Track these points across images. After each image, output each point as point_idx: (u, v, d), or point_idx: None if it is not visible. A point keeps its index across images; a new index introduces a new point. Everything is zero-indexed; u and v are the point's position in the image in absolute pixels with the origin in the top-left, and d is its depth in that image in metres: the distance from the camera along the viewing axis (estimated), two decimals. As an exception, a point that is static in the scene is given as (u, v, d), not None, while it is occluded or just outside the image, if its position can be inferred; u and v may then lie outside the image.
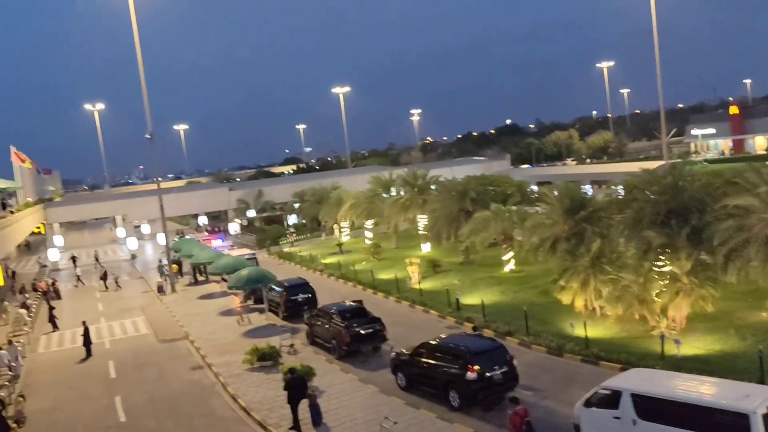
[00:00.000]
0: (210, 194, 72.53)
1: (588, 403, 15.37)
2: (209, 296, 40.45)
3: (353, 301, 27.79)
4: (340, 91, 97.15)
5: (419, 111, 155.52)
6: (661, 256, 23.29)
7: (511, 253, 36.09)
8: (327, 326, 26.01)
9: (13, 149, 50.02)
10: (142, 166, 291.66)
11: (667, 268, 22.84)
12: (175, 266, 46.64)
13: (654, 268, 23.30)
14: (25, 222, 47.09)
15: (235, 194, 71.15)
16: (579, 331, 23.31)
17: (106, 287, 46.87)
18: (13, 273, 56.06)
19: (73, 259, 59.79)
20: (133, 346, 31.05)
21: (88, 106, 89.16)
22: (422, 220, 44.23)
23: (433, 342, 20.58)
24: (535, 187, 64.14)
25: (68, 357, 30.13)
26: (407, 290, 34.50)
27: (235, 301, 36.75)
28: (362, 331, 24.79)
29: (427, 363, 20.13)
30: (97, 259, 60.54)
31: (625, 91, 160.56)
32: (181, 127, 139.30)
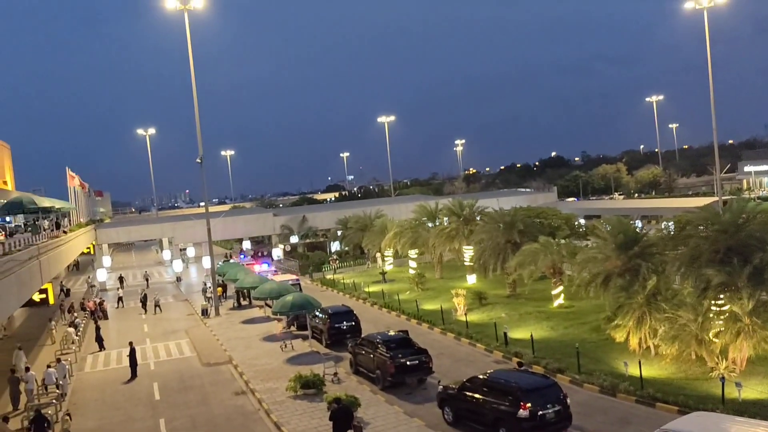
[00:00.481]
0: (254, 219, 73.24)
1: (648, 448, 14.64)
2: (252, 321, 40.52)
3: (399, 331, 27.39)
4: (386, 120, 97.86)
5: (463, 141, 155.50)
6: (720, 295, 22.35)
7: (561, 288, 35.26)
8: (372, 356, 25.62)
9: (68, 170, 51.38)
10: (188, 190, 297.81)
11: (726, 308, 21.93)
12: (219, 289, 46.97)
13: (713, 307, 22.42)
14: (77, 242, 48.08)
15: (279, 220, 71.69)
16: (633, 371, 22.48)
17: (145, 310, 46.98)
18: (68, 291, 57.42)
19: (121, 279, 60.96)
20: (178, 368, 31.12)
21: (140, 131, 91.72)
22: (468, 251, 43.68)
23: (483, 377, 20.02)
24: (582, 221, 63.19)
25: (114, 377, 30.34)
26: (452, 322, 33.94)
27: (277, 327, 36.70)
28: (408, 362, 24.32)
29: (476, 398, 19.56)
30: (147, 280, 61.68)
31: (673, 126, 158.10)
32: (227, 153, 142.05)
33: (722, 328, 21.30)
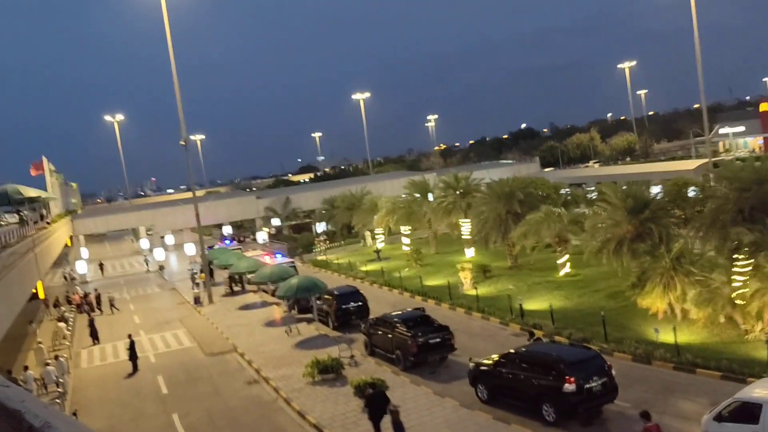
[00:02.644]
0: (237, 203, 71.38)
1: (720, 417, 13.94)
2: (248, 307, 39.20)
3: (415, 309, 26.45)
4: (360, 97, 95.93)
5: (435, 116, 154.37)
6: (752, 255, 21.74)
7: (566, 257, 34.60)
8: (389, 336, 24.62)
9: (44, 159, 49.03)
10: (154, 178, 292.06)
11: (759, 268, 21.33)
12: (202, 275, 44.69)
13: (743, 268, 21.81)
14: (61, 233, 46.08)
15: (263, 202, 69.92)
16: (664, 337, 21.86)
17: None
18: (72, 278, 55.80)
19: (101, 266, 59.85)
20: (180, 360, 29.80)
21: (108, 118, 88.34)
22: (465, 224, 42.76)
23: (520, 351, 19.16)
24: (566, 190, 62.68)
25: (114, 372, 28.94)
26: (459, 296, 33.13)
27: (277, 311, 35.52)
28: (429, 341, 23.39)
29: (514, 374, 18.72)
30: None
31: (642, 92, 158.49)
32: (197, 138, 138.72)
33: (757, 289, 20.69)
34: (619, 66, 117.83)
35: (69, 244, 64.86)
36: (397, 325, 24.32)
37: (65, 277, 58.65)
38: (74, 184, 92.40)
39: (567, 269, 34.66)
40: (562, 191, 58.34)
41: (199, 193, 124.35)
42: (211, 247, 58.19)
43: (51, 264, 41.86)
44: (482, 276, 36.11)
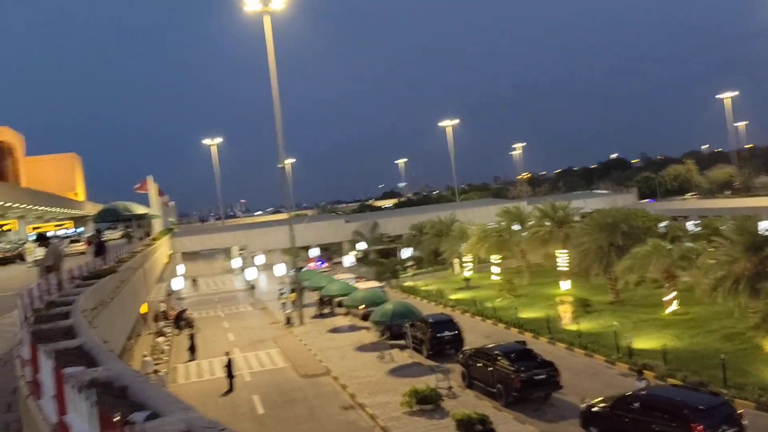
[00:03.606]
0: (327, 226, 72.25)
1: None
2: (338, 330, 39.15)
3: (516, 342, 25.57)
4: (449, 124, 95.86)
5: (523, 144, 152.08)
6: None
7: (674, 293, 32.79)
8: (490, 369, 23.81)
9: (150, 179, 51.20)
10: (244, 200, 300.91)
11: None
12: (293, 295, 44.90)
13: None
14: (163, 250, 47.80)
15: (351, 226, 70.52)
16: (794, 386, 20.14)
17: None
18: (170, 294, 57.56)
19: (194, 282, 61.58)
20: (275, 380, 29.89)
21: (206, 141, 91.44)
22: (562, 256, 41.39)
23: (640, 393, 18.04)
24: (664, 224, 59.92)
25: (211, 389, 29.27)
26: (559, 330, 31.89)
27: (367, 336, 35.23)
28: (535, 377, 22.44)
29: (632, 418, 17.57)
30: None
31: (741, 124, 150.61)
32: (288, 161, 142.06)
33: None
34: (717, 96, 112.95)
35: (167, 260, 67.23)
36: (499, 357, 23.52)
37: (168, 293, 60.76)
38: (172, 203, 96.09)
39: (674, 307, 32.82)
40: (662, 224, 55.99)
41: (285, 215, 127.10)
42: (300, 269, 58.90)
43: (156, 279, 43.17)
44: (582, 310, 34.67)
